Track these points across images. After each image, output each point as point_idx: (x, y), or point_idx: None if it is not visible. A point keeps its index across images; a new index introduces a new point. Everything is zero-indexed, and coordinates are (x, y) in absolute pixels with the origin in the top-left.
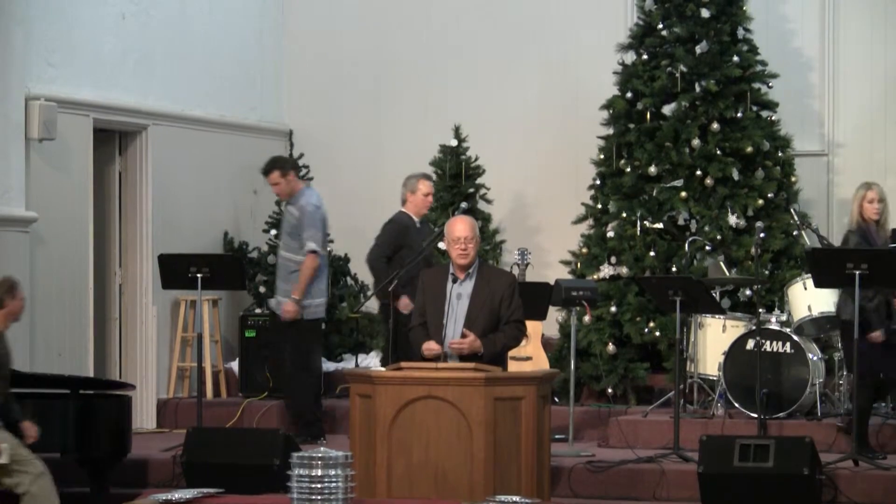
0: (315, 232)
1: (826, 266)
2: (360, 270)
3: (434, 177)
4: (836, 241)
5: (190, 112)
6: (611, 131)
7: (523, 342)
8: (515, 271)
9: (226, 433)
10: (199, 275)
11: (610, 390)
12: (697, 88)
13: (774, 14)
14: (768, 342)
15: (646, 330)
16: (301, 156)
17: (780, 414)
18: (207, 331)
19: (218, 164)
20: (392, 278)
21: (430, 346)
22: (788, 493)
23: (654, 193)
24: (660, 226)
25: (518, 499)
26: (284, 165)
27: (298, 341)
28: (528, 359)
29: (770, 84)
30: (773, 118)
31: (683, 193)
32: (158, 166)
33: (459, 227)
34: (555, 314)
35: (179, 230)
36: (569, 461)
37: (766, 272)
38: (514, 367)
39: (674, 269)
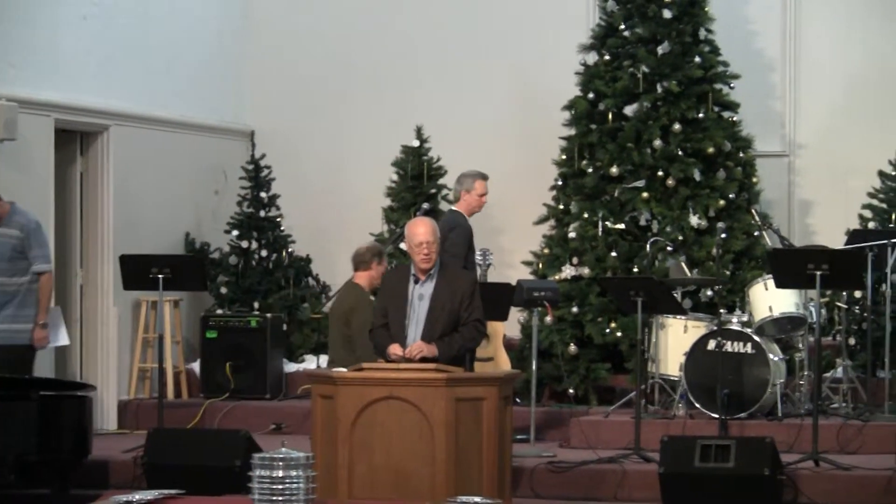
0: (47, 250)
1: (787, 266)
2: (322, 271)
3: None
4: (798, 242)
5: (152, 113)
6: (573, 132)
7: (484, 343)
8: (477, 272)
9: (187, 434)
10: (160, 276)
11: (571, 391)
12: (659, 89)
13: (736, 15)
14: (729, 343)
15: (607, 330)
16: (263, 156)
17: (742, 414)
18: (169, 331)
19: (180, 165)
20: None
21: (396, 350)
22: (749, 494)
23: (616, 194)
24: (621, 226)
25: (479, 499)
26: None
27: (29, 368)
28: (490, 359)
29: (732, 85)
30: (734, 119)
31: (645, 194)
32: (120, 167)
33: (421, 231)
34: (516, 315)
35: (141, 231)
36: (530, 462)
37: (728, 273)
38: (475, 367)
39: (635, 269)
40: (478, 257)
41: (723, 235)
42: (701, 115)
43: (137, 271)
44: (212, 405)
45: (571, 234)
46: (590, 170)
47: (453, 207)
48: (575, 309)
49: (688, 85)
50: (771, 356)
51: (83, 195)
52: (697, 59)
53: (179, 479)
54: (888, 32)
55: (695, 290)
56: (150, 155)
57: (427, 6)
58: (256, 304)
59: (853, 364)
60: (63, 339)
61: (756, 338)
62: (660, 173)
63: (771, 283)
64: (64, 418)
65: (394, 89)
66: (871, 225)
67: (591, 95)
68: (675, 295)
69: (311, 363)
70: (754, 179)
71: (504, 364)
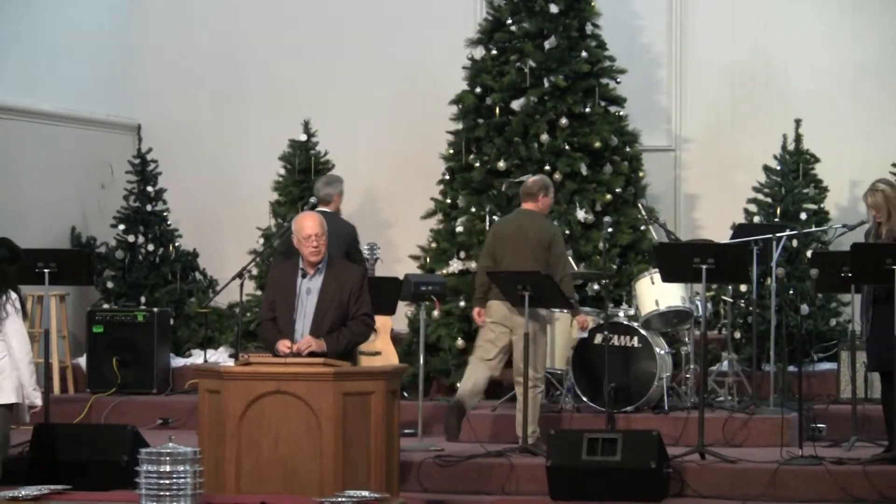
0: None
1: (673, 261)
2: (209, 265)
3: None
4: (684, 236)
5: (36, 106)
6: (460, 126)
7: (372, 337)
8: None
9: (73, 429)
10: (46, 270)
11: (459, 385)
12: (546, 84)
13: (622, 10)
14: (616, 336)
15: None
16: (149, 150)
17: (628, 408)
18: (55, 326)
19: (66, 159)
20: (238, 274)
21: (284, 346)
22: (636, 487)
23: (503, 188)
24: None
25: (367, 493)
26: None
27: None
28: (378, 353)
29: (618, 80)
30: (620, 113)
31: None
32: (4, 160)
33: (309, 225)
34: (404, 309)
35: (26, 225)
36: (418, 456)
37: (614, 267)
38: (363, 362)
39: None
40: (365, 251)
41: (609, 230)
42: (587, 109)
43: (23, 265)
44: (98, 400)
45: (459, 229)
46: (477, 164)
47: (330, 210)
48: (462, 303)
49: (574, 79)
50: (657, 350)
51: None
52: (584, 53)
53: (66, 475)
54: (772, 27)
55: (582, 284)
56: (35, 149)
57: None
58: (143, 299)
59: (739, 357)
60: None
61: (642, 331)
62: (547, 167)
63: (657, 277)
64: None
65: (281, 83)
66: (756, 219)
67: (478, 90)
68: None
69: (198, 357)
70: (641, 174)
71: (392, 358)
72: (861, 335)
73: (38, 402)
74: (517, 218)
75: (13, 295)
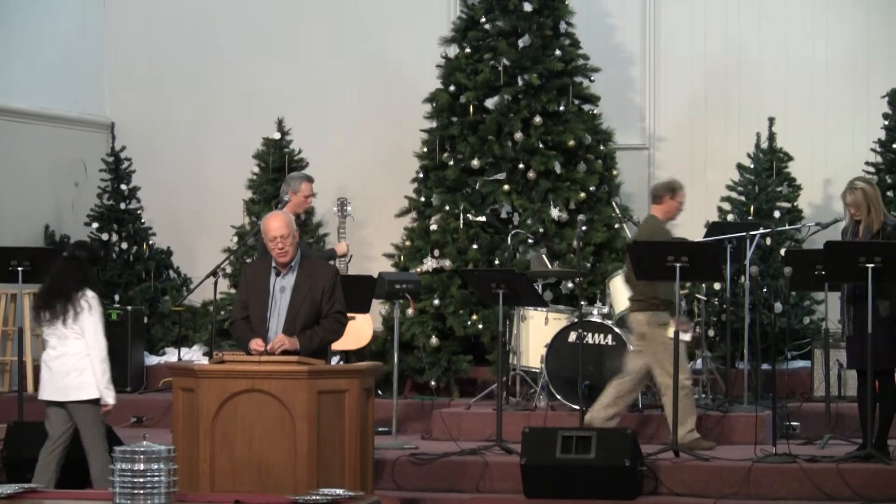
0: None
1: (647, 259)
2: (183, 263)
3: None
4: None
5: (11, 104)
6: (434, 124)
7: None
8: (335, 223)
9: None
10: (19, 268)
11: (433, 383)
12: (520, 82)
13: (596, 9)
14: (590, 334)
15: (469, 323)
16: (123, 148)
17: None
18: (28, 324)
19: (39, 157)
20: (212, 272)
21: (257, 346)
22: (610, 485)
23: (477, 186)
24: (483, 219)
25: (342, 492)
26: None
27: None
28: (352, 318)
29: (592, 78)
30: (594, 112)
31: (506, 186)
32: None
33: (275, 226)
34: (378, 307)
35: (0, 223)
36: (392, 454)
37: (588, 265)
38: None
39: (496, 261)
40: (335, 210)
41: (583, 228)
42: (561, 108)
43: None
44: None
45: (433, 227)
46: (451, 162)
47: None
48: (436, 301)
49: (548, 78)
50: (631, 348)
51: None
52: (558, 52)
53: None
54: (746, 24)
55: (556, 283)
56: (8, 147)
57: None
58: (117, 297)
59: (713, 355)
60: None
61: (616, 329)
62: (521, 166)
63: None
64: None
65: (255, 81)
66: (729, 217)
67: (452, 88)
68: (536, 287)
69: (172, 356)
70: (614, 172)
71: (366, 324)
72: (841, 333)
73: (111, 399)
74: (639, 223)
75: (89, 293)
